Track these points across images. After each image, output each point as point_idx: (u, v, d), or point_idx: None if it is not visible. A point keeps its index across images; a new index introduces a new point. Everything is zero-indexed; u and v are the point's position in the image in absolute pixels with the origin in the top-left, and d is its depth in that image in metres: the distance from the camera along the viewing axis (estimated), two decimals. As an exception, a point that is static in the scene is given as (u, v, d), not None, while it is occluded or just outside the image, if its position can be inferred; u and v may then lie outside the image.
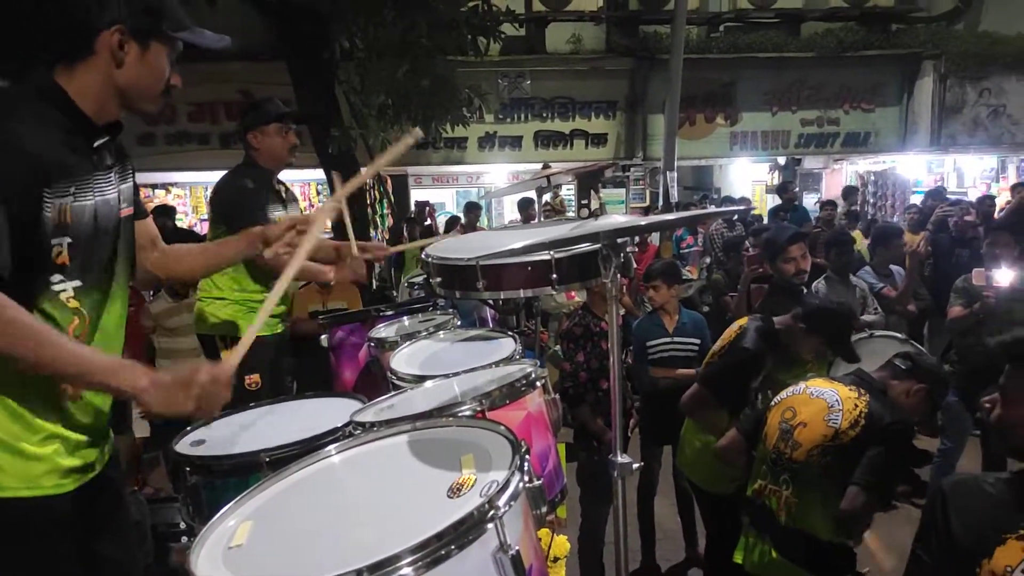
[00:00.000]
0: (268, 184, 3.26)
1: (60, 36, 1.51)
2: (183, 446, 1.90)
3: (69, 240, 1.49)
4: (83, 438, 1.59)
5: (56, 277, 1.49)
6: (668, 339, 4.07)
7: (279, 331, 3.30)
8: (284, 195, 3.36)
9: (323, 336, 3.05)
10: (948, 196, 10.65)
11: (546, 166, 3.53)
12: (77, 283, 1.53)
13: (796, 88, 11.99)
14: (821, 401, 2.50)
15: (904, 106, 12.22)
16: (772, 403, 2.71)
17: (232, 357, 1.48)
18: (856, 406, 2.44)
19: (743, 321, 3.30)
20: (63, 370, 1.40)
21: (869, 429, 2.37)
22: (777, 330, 3.15)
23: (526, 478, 1.17)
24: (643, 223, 1.51)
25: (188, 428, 2.04)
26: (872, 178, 13.05)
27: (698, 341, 4.08)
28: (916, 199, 11.38)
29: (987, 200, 9.43)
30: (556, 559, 2.61)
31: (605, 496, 3.63)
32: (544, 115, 11.61)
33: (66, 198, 1.46)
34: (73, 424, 1.57)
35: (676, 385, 3.73)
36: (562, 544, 2.69)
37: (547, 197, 8.35)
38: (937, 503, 1.60)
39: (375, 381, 2.53)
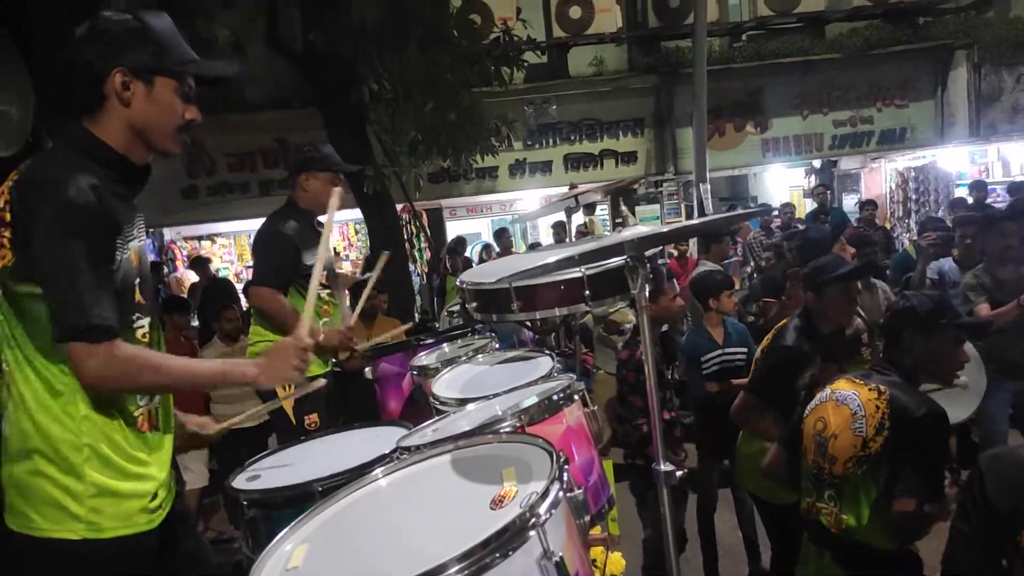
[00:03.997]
0: (311, 226, 3.37)
1: (76, 89, 1.60)
2: (239, 482, 1.98)
3: (139, 280, 1.65)
4: (162, 476, 1.71)
5: (136, 315, 1.65)
6: (720, 351, 4.04)
7: (328, 369, 3.36)
8: None
9: (367, 368, 3.12)
10: (991, 188, 10.39)
11: (573, 186, 3.57)
12: (148, 319, 1.69)
13: (825, 90, 11.86)
14: (845, 408, 2.36)
15: (939, 99, 11.97)
16: (806, 412, 2.60)
17: (301, 328, 1.73)
18: (877, 408, 2.27)
19: (784, 323, 3.27)
20: (191, 386, 1.67)
21: (897, 430, 2.21)
22: (810, 321, 3.09)
23: (565, 487, 1.20)
24: (664, 231, 1.53)
25: (245, 464, 2.12)
26: (912, 174, 12.77)
27: (745, 350, 4.05)
28: (960, 192, 11.11)
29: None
30: (612, 576, 2.60)
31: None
32: (572, 138, 11.69)
33: (133, 241, 1.61)
34: (153, 464, 1.69)
35: (733, 399, 3.68)
36: (617, 561, 2.67)
37: (581, 220, 8.39)
38: (976, 477, 1.59)
39: (419, 408, 2.58)
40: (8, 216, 1.50)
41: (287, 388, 2.10)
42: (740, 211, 10.45)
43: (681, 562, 1.54)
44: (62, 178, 1.48)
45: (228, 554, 3.69)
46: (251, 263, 12.67)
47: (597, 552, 2.43)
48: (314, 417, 3.10)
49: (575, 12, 11.22)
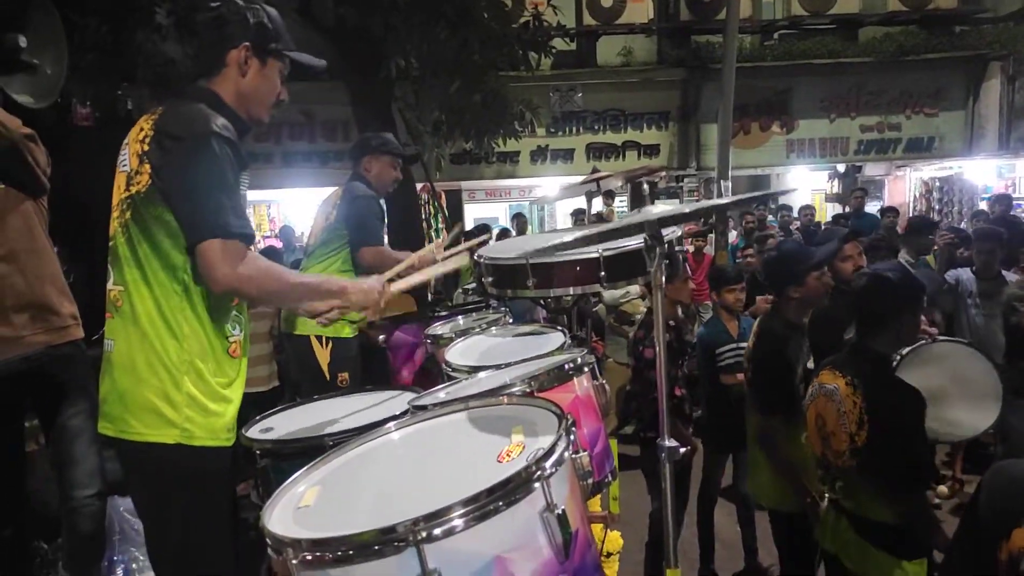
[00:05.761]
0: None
1: (203, 54, 1.88)
2: (253, 432, 2.04)
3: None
4: (238, 399, 1.88)
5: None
6: (735, 344, 4.05)
7: (357, 334, 3.51)
8: None
9: (381, 336, 3.19)
10: (1017, 203, 10.27)
11: (595, 170, 3.59)
12: None
13: (855, 94, 11.74)
14: (833, 404, 2.47)
15: (970, 109, 11.83)
16: (805, 401, 2.71)
17: (397, 285, 2.03)
18: (855, 403, 2.37)
19: (757, 330, 3.35)
20: (302, 293, 1.93)
21: (875, 422, 2.31)
22: (788, 319, 3.20)
23: (571, 448, 1.23)
24: (687, 211, 1.55)
25: (258, 417, 2.19)
26: (937, 184, 12.64)
27: None
28: (984, 205, 10.99)
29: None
30: (609, 554, 2.64)
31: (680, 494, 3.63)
32: (596, 127, 11.66)
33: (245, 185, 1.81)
34: (236, 387, 1.87)
35: (743, 393, 3.65)
36: (615, 540, 2.72)
37: (600, 208, 8.40)
38: (980, 485, 1.61)
39: (431, 378, 2.62)
40: (146, 147, 1.70)
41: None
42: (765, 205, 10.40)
43: (678, 553, 1.57)
44: (206, 113, 1.72)
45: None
46: (268, 235, 12.68)
47: (596, 529, 2.48)
48: (345, 375, 3.25)
49: (606, 1, 11.18)
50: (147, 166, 1.69)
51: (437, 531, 1.02)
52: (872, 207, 12.53)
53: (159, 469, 1.73)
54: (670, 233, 1.81)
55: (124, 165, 1.78)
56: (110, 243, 1.82)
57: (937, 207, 12.64)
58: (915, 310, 2.48)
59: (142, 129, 1.75)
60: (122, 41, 6.53)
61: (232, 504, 1.92)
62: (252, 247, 1.79)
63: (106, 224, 1.85)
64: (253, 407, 4.87)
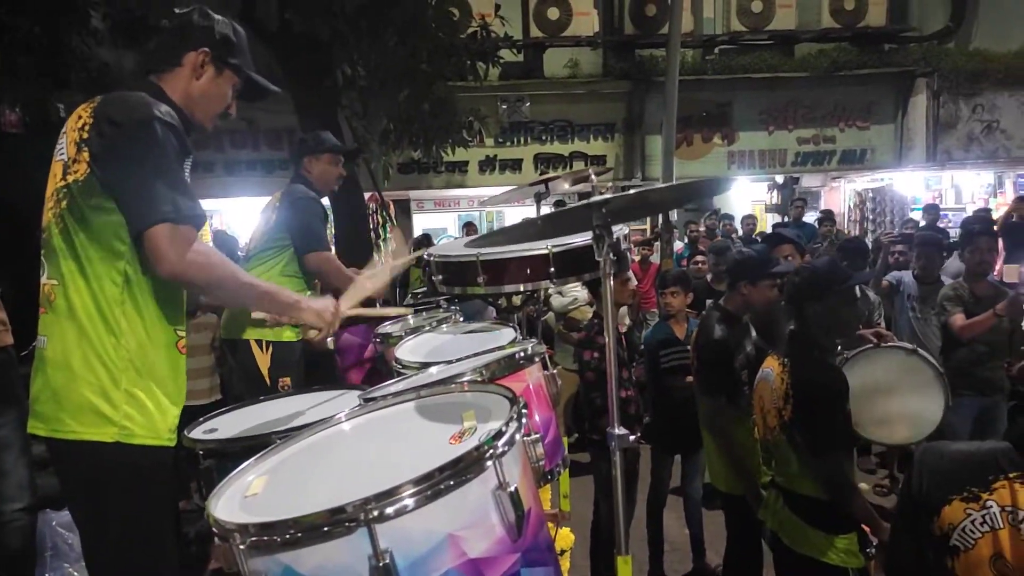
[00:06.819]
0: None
1: (162, 52, 1.87)
2: (196, 433, 1.98)
3: None
4: (179, 402, 1.82)
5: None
6: (681, 347, 4.12)
7: (301, 338, 3.42)
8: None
9: (330, 339, 3.13)
10: (943, 214, 10.79)
11: (543, 172, 3.63)
12: None
13: (792, 107, 12.16)
14: (768, 384, 2.63)
15: (899, 123, 12.36)
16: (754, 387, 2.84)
17: (344, 300, 1.99)
18: (783, 380, 2.52)
19: (702, 320, 3.55)
20: (252, 294, 1.87)
21: (797, 396, 2.46)
22: (729, 310, 3.40)
23: (523, 430, 1.23)
24: (631, 193, 1.57)
25: (200, 419, 2.12)
26: (870, 195, 13.17)
27: None
28: (915, 215, 11.50)
29: (982, 212, 9.57)
30: (562, 551, 2.64)
31: (628, 490, 3.67)
32: (544, 138, 11.78)
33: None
34: (175, 390, 1.81)
35: (691, 396, 3.75)
36: (566, 536, 2.73)
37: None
38: (912, 466, 1.68)
39: (381, 379, 2.58)
40: (85, 135, 1.65)
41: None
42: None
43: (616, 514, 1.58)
44: (147, 100, 1.69)
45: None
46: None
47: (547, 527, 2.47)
48: (287, 380, 3.16)
49: (553, 13, 11.33)
50: (85, 154, 1.64)
51: (388, 510, 1.01)
52: (809, 217, 12.99)
53: (96, 469, 1.66)
54: (616, 230, 1.83)
55: (61, 153, 1.72)
56: (43, 235, 1.74)
57: (871, 217, 13.16)
58: (843, 298, 2.59)
59: (80, 117, 1.69)
60: (55, 44, 6.32)
61: (175, 507, 1.85)
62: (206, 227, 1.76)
63: (37, 234, 1.77)
64: (193, 421, 4.77)
